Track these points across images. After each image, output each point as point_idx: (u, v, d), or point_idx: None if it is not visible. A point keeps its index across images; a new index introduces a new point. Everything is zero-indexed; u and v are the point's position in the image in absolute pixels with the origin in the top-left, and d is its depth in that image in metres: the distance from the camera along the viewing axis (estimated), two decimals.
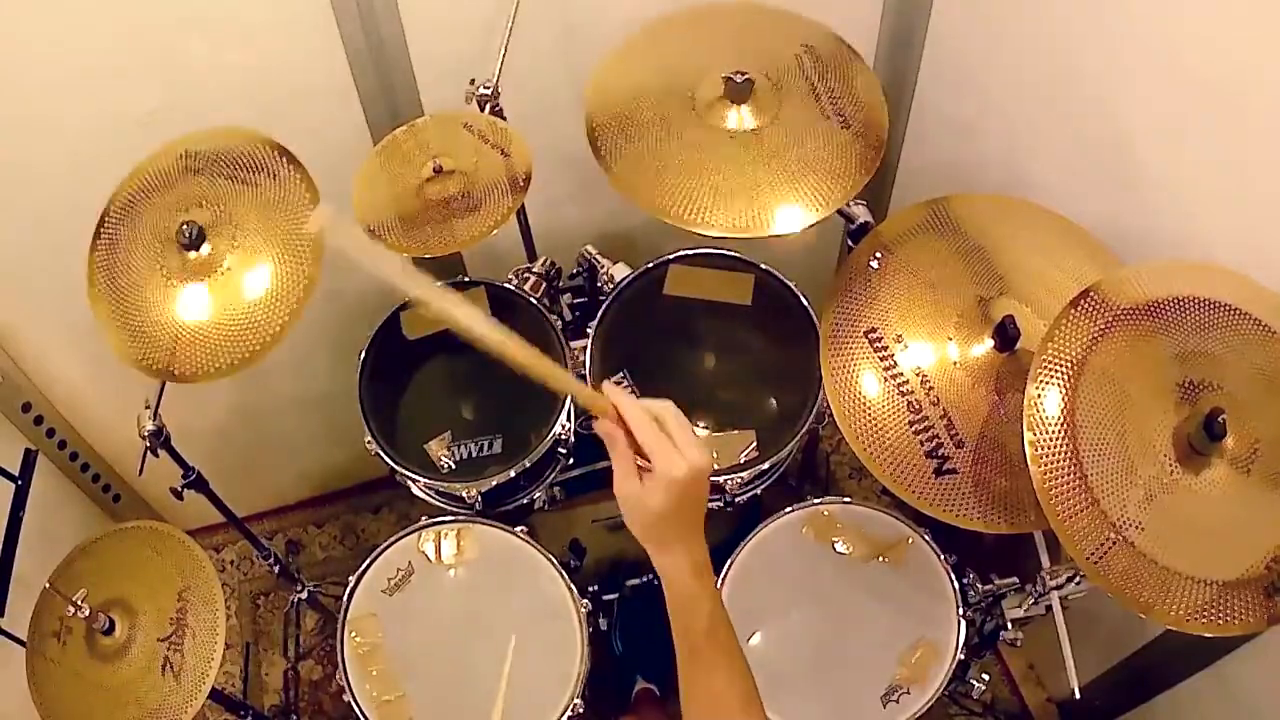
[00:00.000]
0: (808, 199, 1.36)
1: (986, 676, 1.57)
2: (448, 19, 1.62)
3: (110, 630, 1.42)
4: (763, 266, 1.69)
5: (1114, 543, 1.06)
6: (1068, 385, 1.11)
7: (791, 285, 1.67)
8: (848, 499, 1.56)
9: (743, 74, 1.37)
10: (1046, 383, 1.11)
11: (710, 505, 1.59)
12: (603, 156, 1.41)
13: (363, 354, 1.65)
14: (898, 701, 1.43)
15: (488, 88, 1.51)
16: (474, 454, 1.59)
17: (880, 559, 1.53)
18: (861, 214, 1.51)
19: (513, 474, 1.56)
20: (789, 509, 1.56)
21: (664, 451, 0.81)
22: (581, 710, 1.45)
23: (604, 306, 1.67)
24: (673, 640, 0.89)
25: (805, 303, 1.65)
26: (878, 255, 1.40)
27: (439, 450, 1.59)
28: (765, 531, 1.55)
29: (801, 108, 1.43)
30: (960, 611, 1.46)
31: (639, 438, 0.82)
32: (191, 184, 1.40)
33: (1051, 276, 1.34)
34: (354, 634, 1.51)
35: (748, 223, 1.34)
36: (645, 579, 1.87)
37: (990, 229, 1.40)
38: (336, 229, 0.81)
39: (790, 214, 1.35)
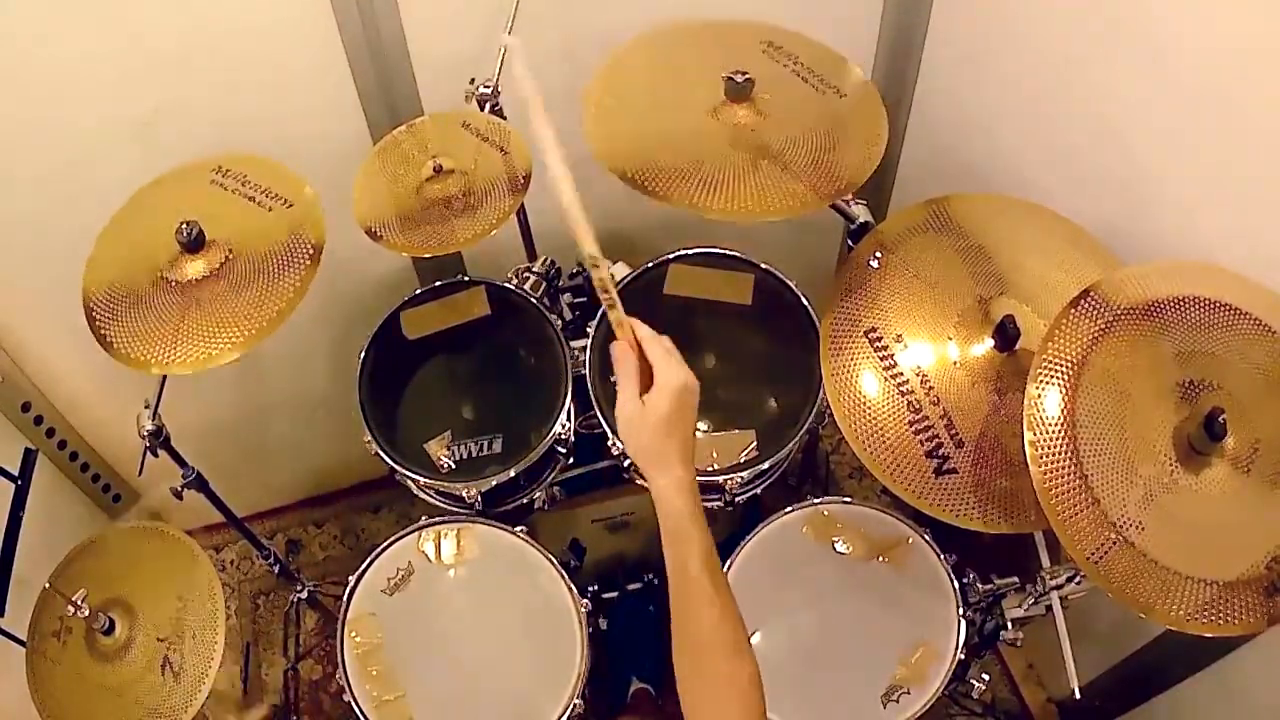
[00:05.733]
0: (829, 178, 1.37)
1: (986, 676, 1.57)
2: (448, 19, 1.62)
3: (110, 630, 1.42)
4: (763, 266, 1.69)
5: (1114, 543, 1.06)
6: (1068, 385, 1.11)
7: (791, 285, 1.67)
8: (848, 499, 1.56)
9: (743, 73, 1.37)
10: (1046, 383, 1.11)
11: (710, 505, 1.60)
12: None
13: (363, 354, 1.65)
14: (898, 701, 1.43)
15: (488, 87, 1.51)
16: (474, 454, 1.59)
17: (880, 559, 1.53)
18: (861, 214, 1.51)
19: (513, 474, 1.56)
20: (789, 509, 1.56)
21: (669, 362, 0.90)
22: (581, 710, 1.45)
23: (604, 306, 1.67)
24: (667, 613, 0.90)
25: (805, 303, 1.65)
26: (878, 255, 1.40)
27: (439, 450, 1.59)
28: (765, 531, 1.55)
29: (797, 94, 1.44)
30: (960, 611, 1.46)
31: (648, 350, 0.91)
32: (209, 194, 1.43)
33: (1051, 276, 1.35)
34: (354, 634, 1.51)
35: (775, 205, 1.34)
36: (645, 580, 1.88)
37: (990, 229, 1.40)
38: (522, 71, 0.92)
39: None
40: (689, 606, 0.88)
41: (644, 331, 0.93)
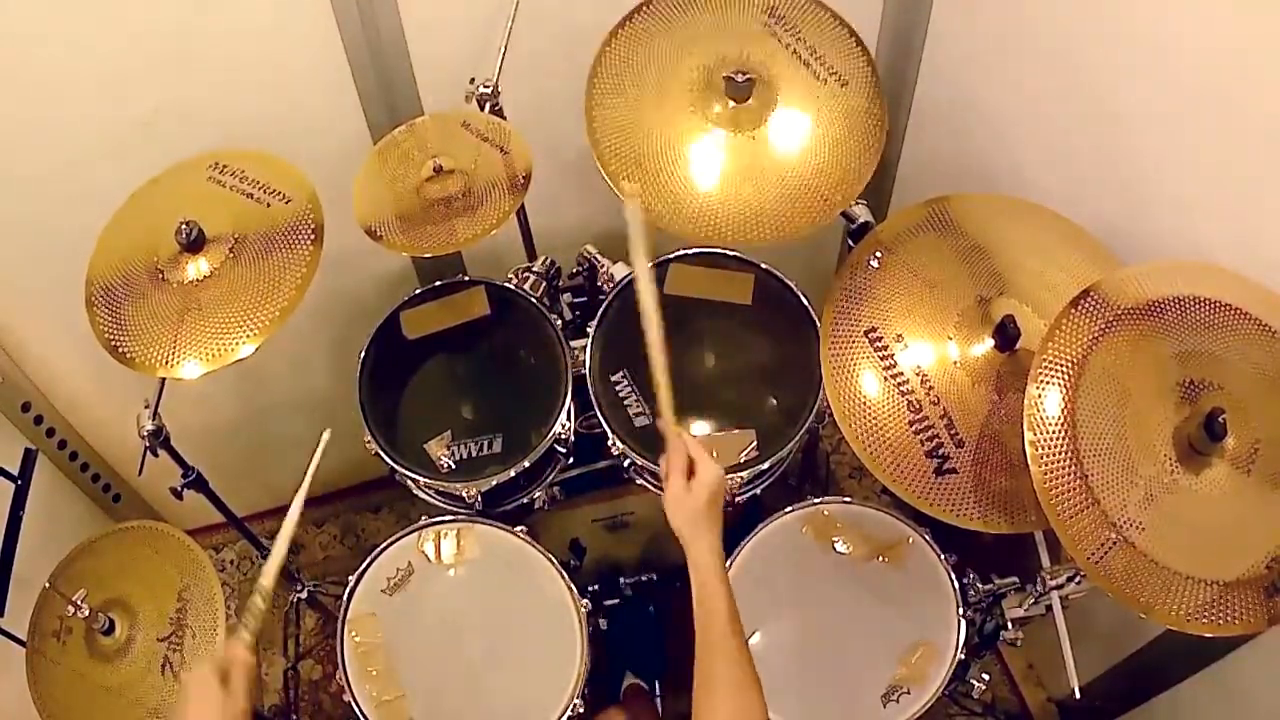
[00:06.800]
0: (833, 177, 1.37)
1: (986, 676, 1.57)
2: (448, 19, 1.62)
3: (110, 630, 1.42)
4: (763, 266, 1.69)
5: (1114, 543, 1.06)
6: (1068, 385, 1.11)
7: (791, 285, 1.67)
8: (848, 499, 1.56)
9: (743, 73, 1.37)
10: (1047, 383, 1.11)
11: None
12: (611, 173, 1.41)
13: (363, 354, 1.65)
14: (898, 701, 1.43)
15: (488, 87, 1.51)
16: (474, 454, 1.59)
17: (880, 559, 1.53)
18: (861, 214, 1.51)
19: (512, 474, 1.56)
20: (789, 509, 1.56)
21: (708, 462, 1.12)
22: (581, 710, 1.45)
23: (604, 306, 1.67)
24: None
25: (805, 303, 1.65)
26: (878, 255, 1.40)
27: (439, 450, 1.59)
28: (765, 531, 1.55)
29: (797, 82, 1.43)
30: (960, 611, 1.46)
31: (692, 449, 1.12)
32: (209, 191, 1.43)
33: (1051, 276, 1.35)
34: (354, 634, 1.51)
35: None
36: (642, 578, 1.88)
37: (990, 229, 1.40)
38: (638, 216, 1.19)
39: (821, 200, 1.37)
40: (715, 653, 1.02)
41: (687, 433, 1.17)
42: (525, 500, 1.67)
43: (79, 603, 1.38)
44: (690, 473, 1.11)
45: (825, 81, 1.42)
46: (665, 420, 1.16)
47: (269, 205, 1.42)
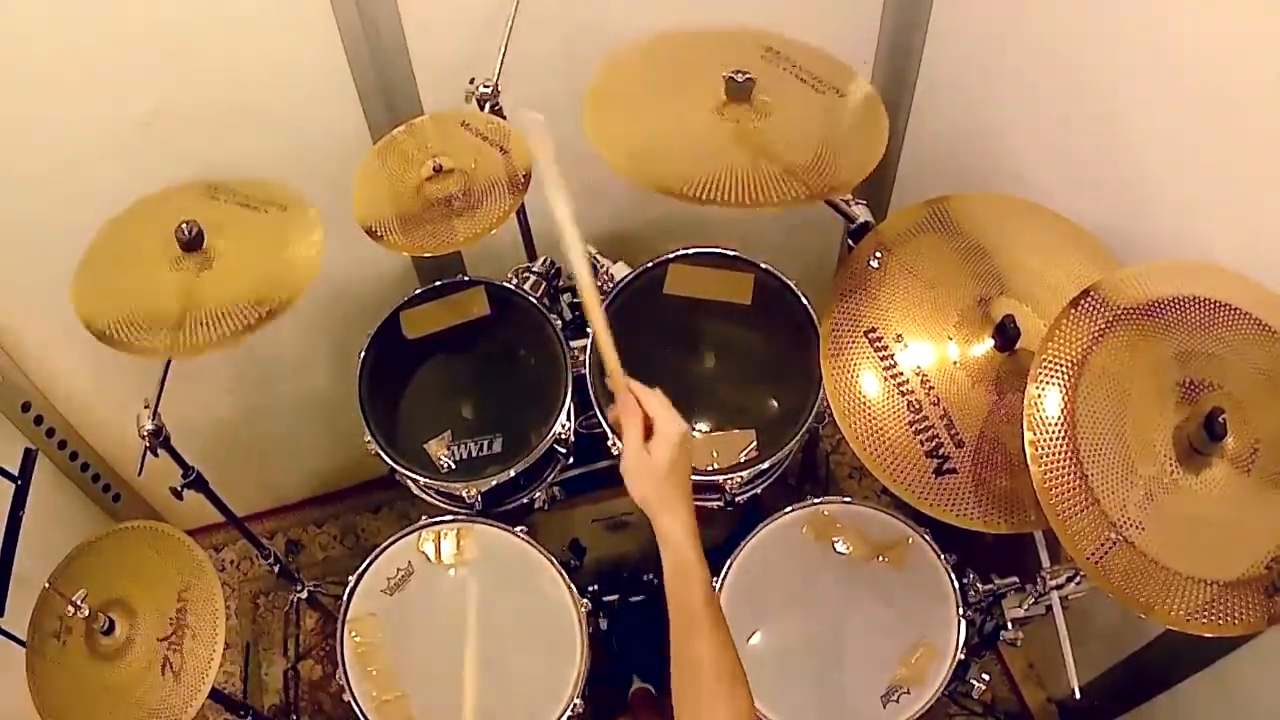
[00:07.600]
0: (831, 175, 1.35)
1: (986, 676, 1.57)
2: (448, 19, 1.62)
3: (110, 630, 1.42)
4: (763, 266, 1.69)
5: (1114, 543, 1.06)
6: (1068, 385, 1.11)
7: (791, 285, 1.67)
8: (848, 499, 1.56)
9: (743, 73, 1.37)
10: (1046, 383, 1.11)
11: (710, 505, 1.60)
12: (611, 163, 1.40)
13: (363, 354, 1.65)
14: (898, 701, 1.43)
15: (488, 86, 1.51)
16: (474, 454, 1.59)
17: (880, 559, 1.53)
18: (861, 214, 1.51)
19: (513, 474, 1.56)
20: (789, 509, 1.56)
21: (668, 414, 0.97)
22: (581, 710, 1.45)
23: (604, 306, 1.67)
24: (668, 616, 0.94)
25: (805, 303, 1.65)
26: (878, 255, 1.40)
27: (439, 450, 1.59)
28: (765, 531, 1.55)
29: (796, 94, 1.43)
30: (960, 611, 1.46)
31: (647, 404, 0.97)
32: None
33: (1051, 276, 1.34)
34: (354, 634, 1.51)
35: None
36: (645, 579, 1.88)
37: (990, 229, 1.40)
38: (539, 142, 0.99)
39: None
40: (693, 638, 0.92)
41: (640, 386, 0.99)
42: (525, 500, 1.67)
43: (79, 603, 1.38)
44: (648, 432, 0.96)
45: (824, 94, 1.44)
46: (610, 371, 1.00)
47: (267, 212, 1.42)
